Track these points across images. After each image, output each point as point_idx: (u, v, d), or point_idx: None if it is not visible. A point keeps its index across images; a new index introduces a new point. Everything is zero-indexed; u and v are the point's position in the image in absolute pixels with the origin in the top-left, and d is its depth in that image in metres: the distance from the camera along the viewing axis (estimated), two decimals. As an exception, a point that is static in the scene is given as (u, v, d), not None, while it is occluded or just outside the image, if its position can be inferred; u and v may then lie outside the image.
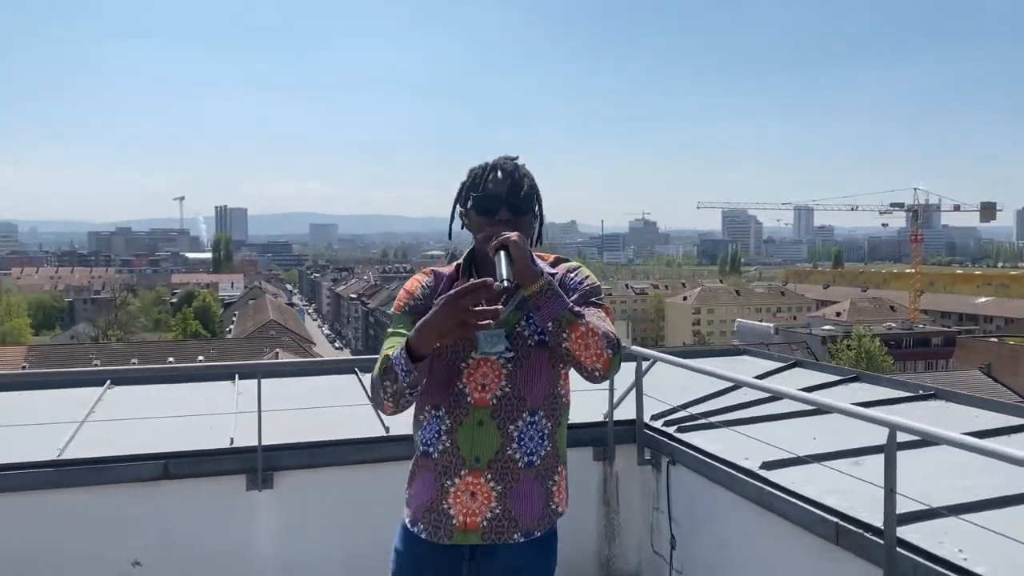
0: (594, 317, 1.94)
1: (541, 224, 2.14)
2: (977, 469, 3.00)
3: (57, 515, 3.63)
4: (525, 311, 1.98)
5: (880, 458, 3.45)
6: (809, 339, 61.72)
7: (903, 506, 2.74)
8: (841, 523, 2.92)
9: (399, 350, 1.87)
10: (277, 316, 72.88)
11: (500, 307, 1.81)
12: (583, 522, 4.40)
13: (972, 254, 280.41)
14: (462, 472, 1.98)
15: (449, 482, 1.99)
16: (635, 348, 4.39)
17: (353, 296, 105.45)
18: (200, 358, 43.08)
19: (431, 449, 2.02)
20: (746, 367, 5.78)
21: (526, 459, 1.99)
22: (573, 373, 2.01)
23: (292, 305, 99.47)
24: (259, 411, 3.79)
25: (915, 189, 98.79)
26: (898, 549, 2.63)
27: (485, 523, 1.98)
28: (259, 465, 3.81)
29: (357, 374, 5.25)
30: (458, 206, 2.10)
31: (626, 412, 4.38)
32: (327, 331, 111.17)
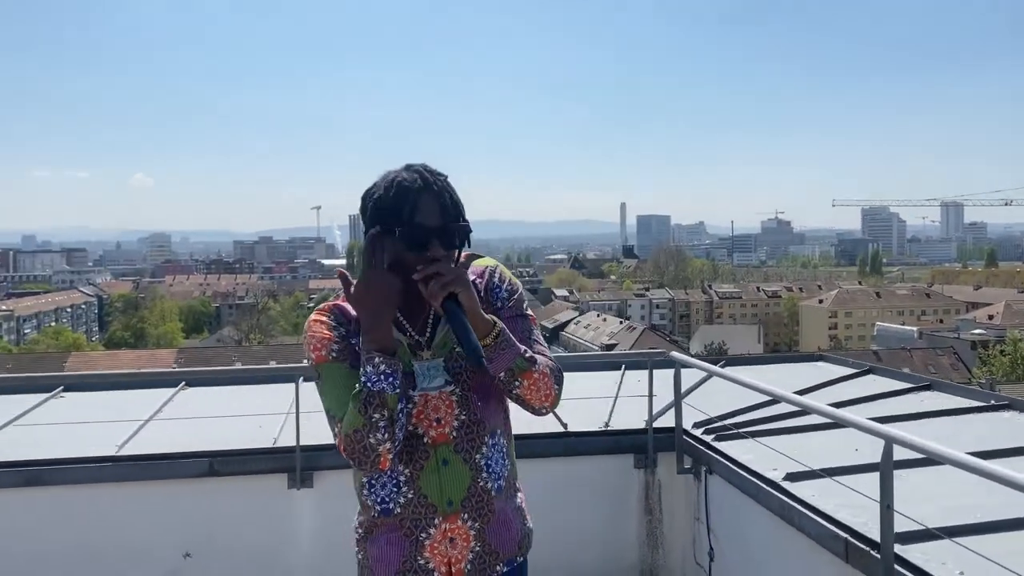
0: (541, 355, 1.83)
1: (467, 237, 1.83)
2: (1003, 488, 2.77)
3: (114, 507, 3.93)
4: (457, 328, 1.72)
5: (914, 472, 3.28)
6: (957, 343, 57.85)
7: (909, 524, 2.58)
8: (850, 540, 2.77)
9: (366, 366, 1.67)
10: (404, 320, 74.94)
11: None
12: (624, 530, 4.35)
13: None
14: (435, 521, 1.79)
15: (424, 535, 1.79)
16: (675, 355, 4.30)
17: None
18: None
19: (391, 505, 1.80)
20: (818, 373, 5.54)
21: (496, 485, 1.84)
22: None
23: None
24: (297, 412, 3.96)
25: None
26: (896, 567, 2.47)
27: (468, 566, 1.81)
28: (298, 465, 3.98)
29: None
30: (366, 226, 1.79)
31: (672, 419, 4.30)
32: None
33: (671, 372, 4.24)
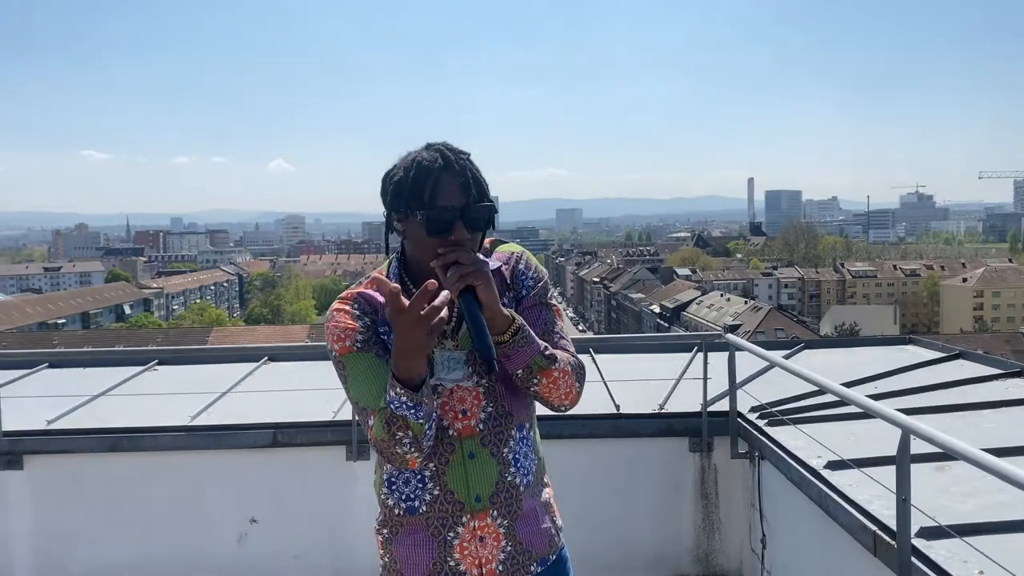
0: (564, 351, 1.74)
1: (492, 218, 1.73)
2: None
3: (187, 474, 4.21)
4: (471, 324, 1.62)
5: (957, 465, 3.09)
6: (1121, 326, 53.02)
7: (937, 518, 2.44)
8: (878, 532, 2.64)
9: (390, 390, 1.57)
10: (523, 299, 75.71)
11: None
12: (679, 513, 4.30)
13: None
14: (464, 519, 1.70)
15: (452, 534, 1.70)
16: (730, 337, 4.18)
17: (596, 280, 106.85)
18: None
19: (417, 503, 1.71)
20: (904, 357, 5.26)
21: (525, 480, 1.75)
22: None
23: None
24: (352, 388, 4.10)
25: None
26: (914, 560, 2.35)
27: (500, 567, 1.72)
28: (354, 438, 4.14)
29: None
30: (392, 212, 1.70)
31: (746, 399, 4.21)
32: (571, 314, 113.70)
33: (740, 354, 4.11)
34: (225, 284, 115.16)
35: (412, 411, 1.56)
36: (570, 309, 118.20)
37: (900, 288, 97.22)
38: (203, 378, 5.14)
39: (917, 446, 3.31)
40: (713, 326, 71.07)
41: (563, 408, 1.75)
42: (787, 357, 5.34)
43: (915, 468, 3.03)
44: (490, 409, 1.71)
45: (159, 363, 5.49)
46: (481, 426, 1.70)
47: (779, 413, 3.97)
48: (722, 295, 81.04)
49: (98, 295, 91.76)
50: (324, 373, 5.24)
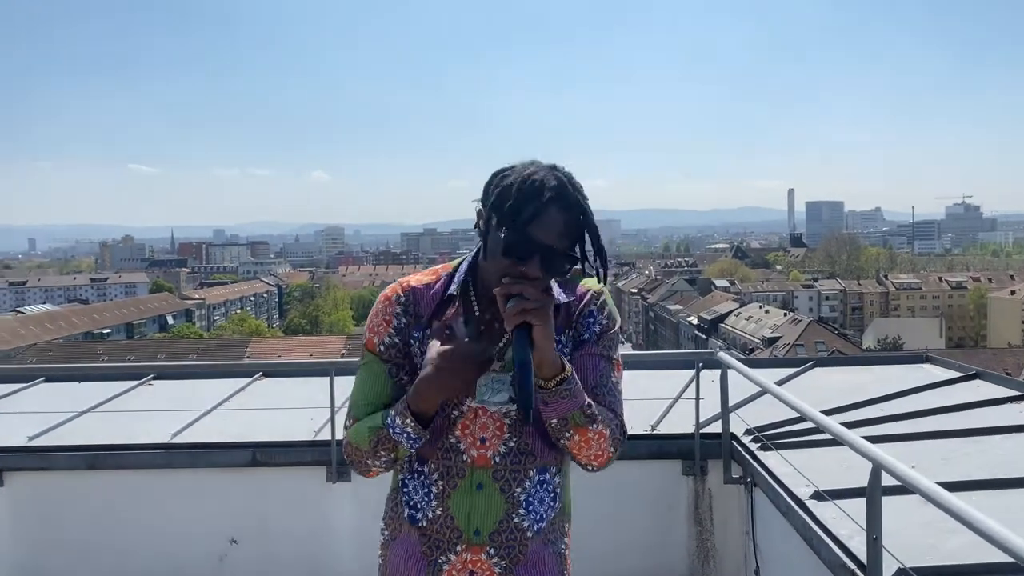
0: (610, 411, 1.61)
1: (584, 259, 1.58)
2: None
3: (165, 493, 4.15)
4: (517, 363, 1.52)
5: (969, 496, 2.87)
6: None
7: (923, 557, 2.25)
8: (856, 572, 2.45)
9: (397, 417, 1.55)
10: (558, 310, 75.58)
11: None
12: (672, 539, 4.13)
13: None
14: (458, 548, 1.61)
15: (443, 558, 1.62)
16: (721, 356, 4.00)
17: (634, 291, 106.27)
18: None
19: (419, 515, 1.65)
20: (918, 376, 5.01)
21: (536, 526, 1.63)
22: None
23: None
24: (332, 407, 4.01)
25: None
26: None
27: None
28: (333, 459, 4.03)
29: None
30: (490, 213, 1.56)
31: (741, 421, 4.03)
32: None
33: (734, 374, 3.93)
34: (265, 295, 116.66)
35: (410, 442, 1.55)
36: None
37: (946, 301, 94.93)
38: (194, 394, 5.08)
39: (941, 472, 3.12)
40: (751, 338, 70.09)
41: (590, 469, 1.63)
42: (795, 376, 5.14)
43: (903, 500, 2.84)
44: (512, 444, 1.60)
45: (155, 378, 5.45)
46: (497, 459, 1.60)
47: (773, 437, 3.78)
48: (761, 307, 79.81)
49: (142, 306, 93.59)
50: (313, 391, 5.17)
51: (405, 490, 1.66)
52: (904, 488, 2.72)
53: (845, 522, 2.75)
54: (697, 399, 4.01)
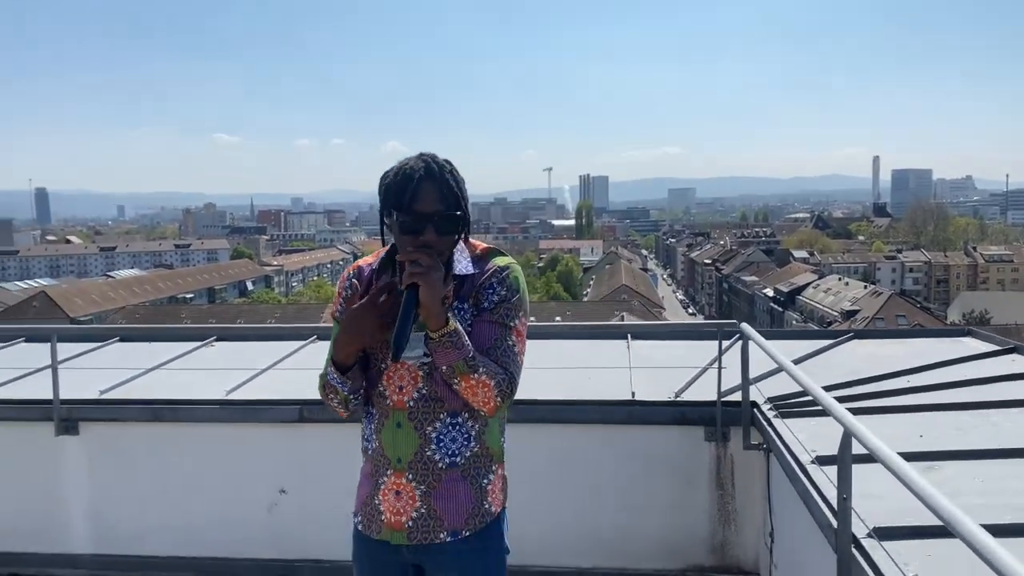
0: (497, 365, 1.95)
1: (467, 223, 1.99)
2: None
3: (220, 445, 4.49)
4: (400, 315, 1.89)
5: (965, 465, 2.96)
6: None
7: (904, 518, 2.36)
8: (840, 532, 2.57)
9: (327, 366, 2.03)
10: (630, 281, 75.29)
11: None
12: (693, 502, 4.26)
13: None
14: (388, 472, 2.03)
15: (381, 480, 2.05)
16: (743, 327, 4.09)
17: (707, 261, 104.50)
18: (556, 318, 46.44)
19: (367, 445, 2.11)
20: (956, 349, 4.99)
21: (447, 460, 2.01)
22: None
23: (646, 270, 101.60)
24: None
25: None
26: (855, 559, 2.28)
27: (411, 523, 2.02)
28: (373, 416, 4.29)
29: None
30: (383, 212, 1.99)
31: (764, 390, 4.16)
32: (681, 296, 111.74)
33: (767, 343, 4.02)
34: (340, 262, 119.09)
35: (340, 384, 2.01)
36: (680, 292, 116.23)
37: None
38: (252, 355, 5.42)
39: (910, 444, 3.21)
40: (829, 311, 68.32)
41: (482, 412, 1.99)
42: (831, 347, 5.18)
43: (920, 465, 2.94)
44: (424, 391, 2.00)
45: (217, 339, 5.83)
46: (411, 403, 2.00)
47: (791, 406, 3.87)
48: (840, 279, 77.62)
49: (223, 271, 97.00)
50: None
51: (363, 427, 2.13)
52: (914, 455, 2.84)
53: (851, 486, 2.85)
54: (719, 367, 4.11)
